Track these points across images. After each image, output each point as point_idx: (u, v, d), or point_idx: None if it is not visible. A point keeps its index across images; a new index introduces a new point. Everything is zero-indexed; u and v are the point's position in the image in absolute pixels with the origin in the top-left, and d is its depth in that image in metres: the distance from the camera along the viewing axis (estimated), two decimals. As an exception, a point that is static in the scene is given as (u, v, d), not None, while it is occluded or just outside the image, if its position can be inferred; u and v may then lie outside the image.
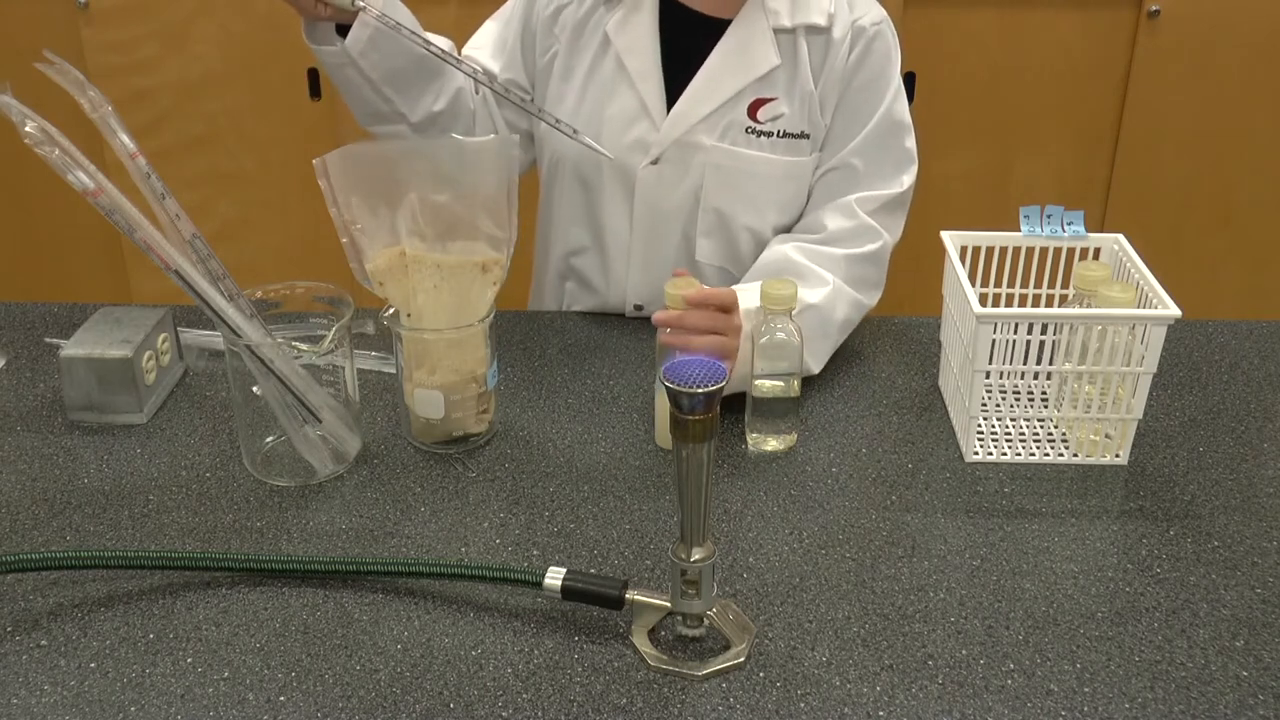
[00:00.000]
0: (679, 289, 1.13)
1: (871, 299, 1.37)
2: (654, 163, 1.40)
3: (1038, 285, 1.27)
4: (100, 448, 1.19)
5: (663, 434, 1.19)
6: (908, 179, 1.39)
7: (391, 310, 1.15)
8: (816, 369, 1.30)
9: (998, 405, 1.25)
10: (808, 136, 1.39)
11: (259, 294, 1.12)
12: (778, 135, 1.38)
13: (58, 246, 2.76)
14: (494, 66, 1.46)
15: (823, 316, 1.29)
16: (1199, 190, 2.57)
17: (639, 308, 1.48)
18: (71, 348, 1.21)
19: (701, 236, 1.43)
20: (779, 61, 1.36)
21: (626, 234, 1.45)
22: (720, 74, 1.37)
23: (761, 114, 1.37)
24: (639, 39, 1.39)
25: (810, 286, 1.29)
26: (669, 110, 1.39)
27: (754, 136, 1.38)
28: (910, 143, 1.39)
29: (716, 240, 1.43)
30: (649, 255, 1.45)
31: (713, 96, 1.37)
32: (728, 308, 1.18)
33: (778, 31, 1.36)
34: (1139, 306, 1.14)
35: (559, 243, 1.52)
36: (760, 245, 1.43)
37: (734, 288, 1.23)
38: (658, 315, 1.15)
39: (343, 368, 1.14)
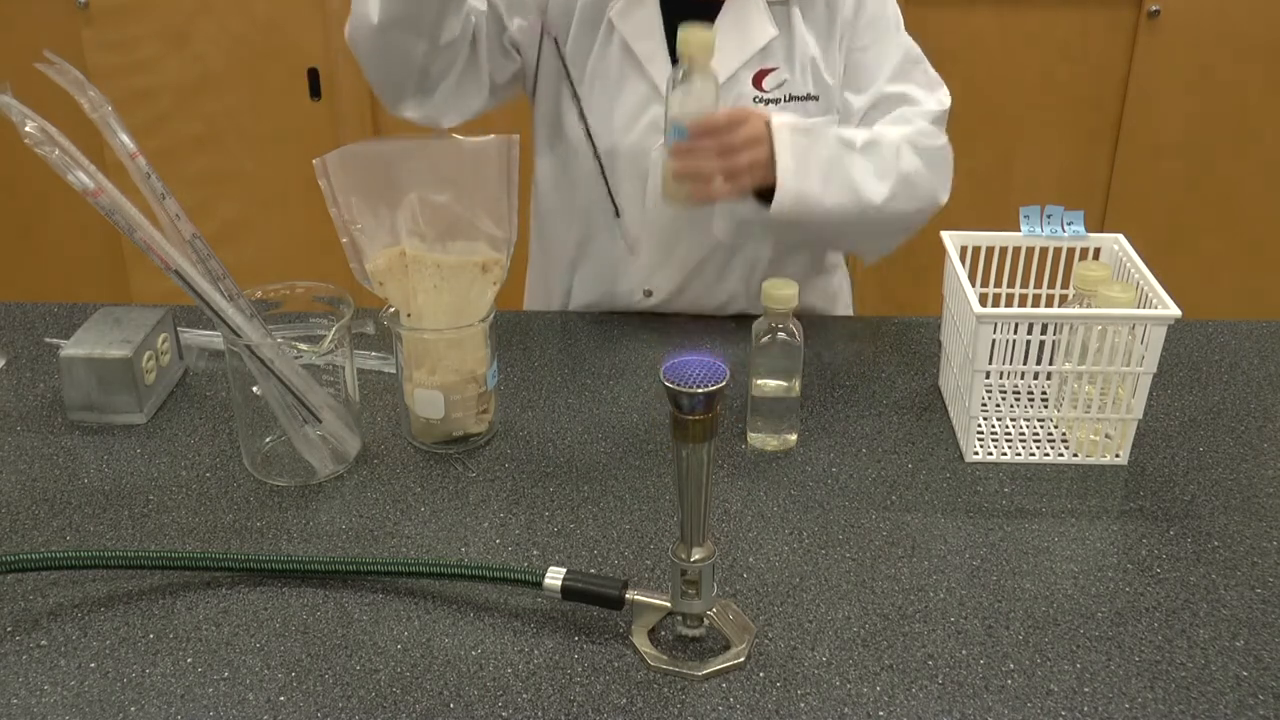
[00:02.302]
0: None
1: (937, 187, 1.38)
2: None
3: (1038, 285, 1.27)
4: (100, 448, 1.19)
5: (667, 187, 1.26)
6: (946, 98, 1.42)
7: (391, 310, 1.15)
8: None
9: (998, 405, 1.25)
10: (816, 98, 1.41)
11: (259, 294, 1.12)
12: (785, 100, 1.40)
13: (58, 246, 2.76)
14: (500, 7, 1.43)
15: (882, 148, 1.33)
16: (1199, 190, 2.57)
17: (649, 293, 1.49)
18: (71, 348, 1.21)
19: (718, 215, 1.44)
20: (776, 32, 1.38)
21: (640, 218, 1.45)
22: (721, 51, 1.37)
23: (767, 83, 1.40)
24: (643, 23, 1.40)
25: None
26: None
27: (763, 106, 1.40)
28: (932, 71, 1.43)
29: (733, 217, 1.44)
30: (663, 238, 1.46)
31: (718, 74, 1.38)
32: (736, 121, 1.21)
33: (771, 3, 1.38)
34: (1139, 306, 1.15)
35: (569, 230, 1.52)
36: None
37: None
38: (674, 146, 1.21)
39: (343, 368, 1.14)
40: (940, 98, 1.41)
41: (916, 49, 1.43)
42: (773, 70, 1.39)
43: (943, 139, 1.40)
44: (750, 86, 1.39)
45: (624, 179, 1.44)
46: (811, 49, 1.39)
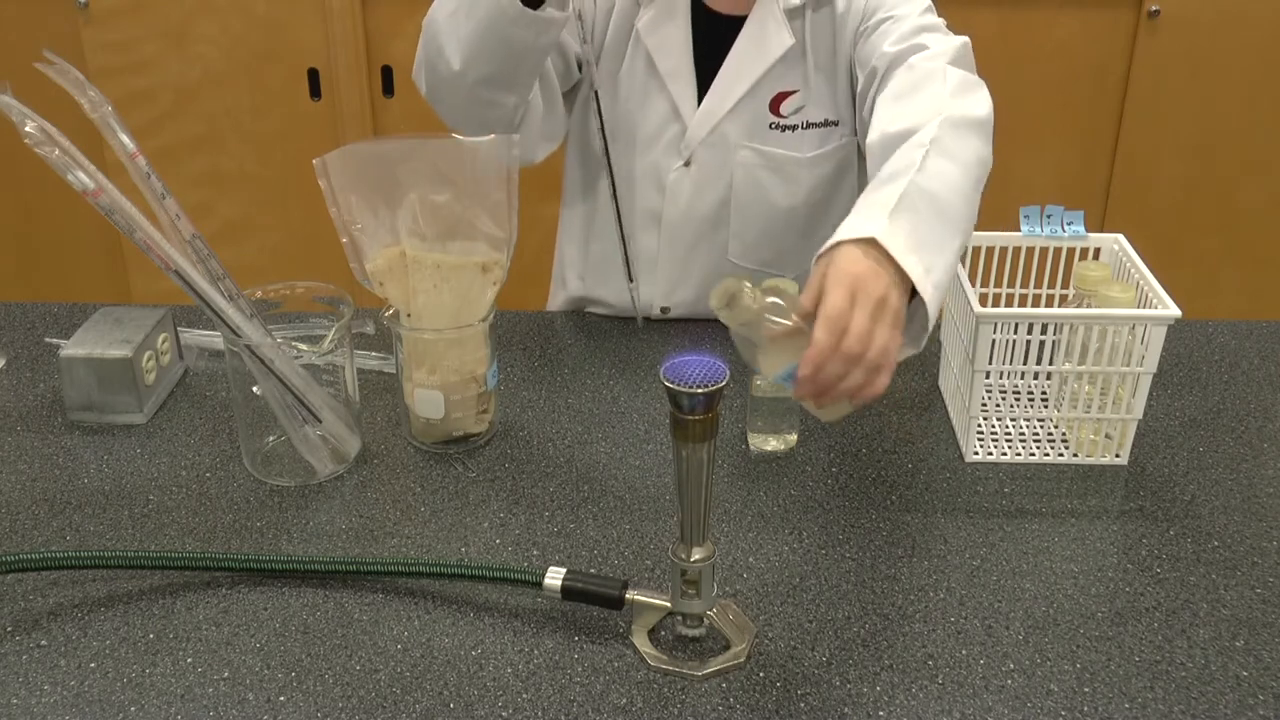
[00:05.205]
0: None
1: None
2: (685, 164, 1.40)
3: (1038, 285, 1.27)
4: (100, 448, 1.19)
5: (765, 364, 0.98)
6: (963, 41, 1.26)
7: (391, 310, 1.15)
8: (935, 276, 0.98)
9: (998, 405, 1.25)
10: (836, 123, 1.39)
11: (259, 294, 1.12)
12: (803, 127, 1.38)
13: (58, 246, 2.76)
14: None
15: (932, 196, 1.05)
16: (1199, 190, 2.57)
17: (665, 310, 1.48)
18: (71, 348, 1.21)
19: (734, 237, 1.44)
20: (793, 40, 1.35)
21: (656, 237, 1.45)
22: (740, 64, 1.37)
23: (784, 108, 1.38)
24: (670, 39, 1.38)
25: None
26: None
27: (779, 132, 1.38)
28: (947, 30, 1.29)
29: (750, 240, 1.43)
30: (680, 257, 1.46)
31: (735, 88, 1.37)
32: (835, 331, 0.90)
33: (789, 14, 1.35)
34: (1139, 306, 1.15)
35: (592, 246, 1.52)
36: (794, 228, 1.42)
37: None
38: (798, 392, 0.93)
39: (343, 368, 1.14)
40: (958, 39, 1.27)
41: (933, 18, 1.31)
42: (792, 94, 1.37)
43: (969, 74, 1.25)
44: (768, 110, 1.37)
45: (640, 198, 1.44)
46: (828, 62, 1.36)
